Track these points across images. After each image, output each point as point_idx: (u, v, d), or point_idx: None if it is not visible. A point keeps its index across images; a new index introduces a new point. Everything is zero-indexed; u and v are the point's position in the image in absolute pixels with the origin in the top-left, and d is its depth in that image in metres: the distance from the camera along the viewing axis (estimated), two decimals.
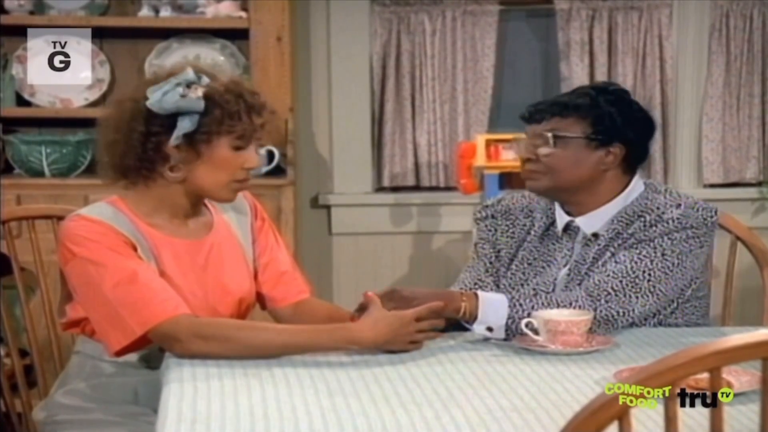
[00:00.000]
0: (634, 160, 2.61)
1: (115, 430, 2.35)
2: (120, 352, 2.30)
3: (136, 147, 2.31)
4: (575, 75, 4.59)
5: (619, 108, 2.58)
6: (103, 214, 2.34)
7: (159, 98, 2.27)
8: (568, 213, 2.62)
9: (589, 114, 2.56)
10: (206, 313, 2.36)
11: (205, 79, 2.31)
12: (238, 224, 2.51)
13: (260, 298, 2.54)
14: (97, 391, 2.40)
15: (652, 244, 2.50)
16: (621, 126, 2.56)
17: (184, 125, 2.28)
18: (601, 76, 4.58)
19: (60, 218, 2.82)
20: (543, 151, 2.56)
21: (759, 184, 4.71)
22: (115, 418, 2.37)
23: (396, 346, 2.27)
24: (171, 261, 2.37)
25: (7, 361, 3.06)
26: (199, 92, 2.28)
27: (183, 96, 2.27)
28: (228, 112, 2.30)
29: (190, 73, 2.30)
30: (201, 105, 2.28)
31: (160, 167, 2.33)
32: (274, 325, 2.40)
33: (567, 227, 2.61)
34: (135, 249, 2.32)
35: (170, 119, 2.28)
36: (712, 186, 4.70)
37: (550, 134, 2.55)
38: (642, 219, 2.53)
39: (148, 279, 2.27)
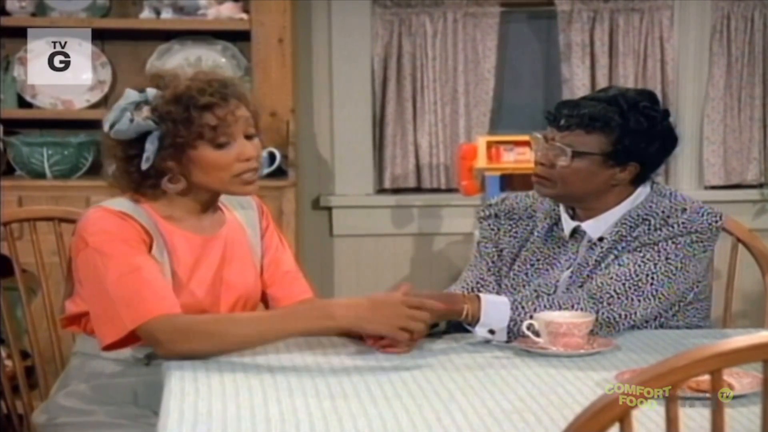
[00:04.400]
0: (646, 175, 2.59)
1: None
2: (110, 347, 2.30)
3: (125, 171, 2.35)
4: (576, 77, 4.59)
5: (645, 128, 2.52)
6: (123, 205, 2.36)
7: (112, 127, 2.31)
8: (573, 215, 2.62)
9: (613, 131, 2.50)
10: (210, 307, 2.39)
11: (152, 93, 2.31)
12: (247, 223, 2.53)
13: (264, 298, 2.55)
14: (96, 392, 2.40)
15: (656, 248, 2.50)
16: (643, 148, 2.53)
17: (149, 147, 2.31)
18: (602, 78, 4.58)
19: (62, 220, 2.82)
20: (558, 162, 2.53)
21: (760, 186, 4.71)
22: (115, 420, 2.37)
23: (380, 328, 2.21)
24: (186, 255, 2.38)
25: (9, 363, 3.06)
26: (145, 112, 2.30)
27: (131, 121, 2.29)
28: (180, 121, 2.30)
29: (132, 95, 2.31)
30: (151, 125, 2.30)
31: (158, 181, 2.35)
32: (251, 313, 2.38)
33: (573, 232, 2.60)
34: (151, 243, 2.33)
35: (141, 140, 2.31)
36: (713, 188, 4.70)
37: (569, 149, 2.51)
38: (647, 223, 2.53)
39: (152, 276, 2.28)
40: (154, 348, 2.27)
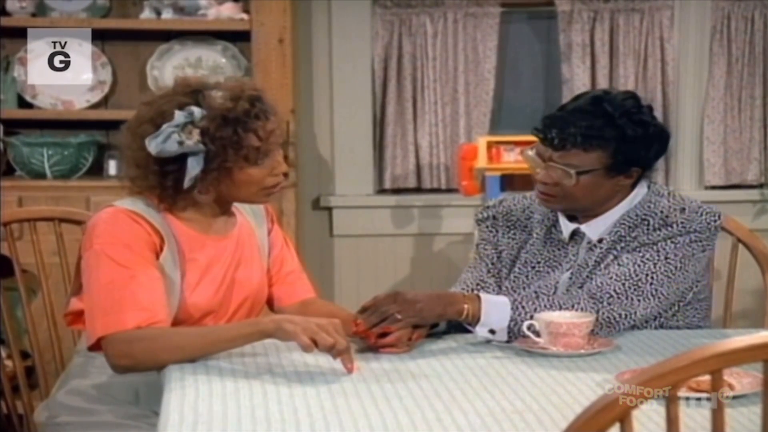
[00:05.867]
0: (645, 175, 2.59)
1: None
2: (93, 348, 2.30)
3: (156, 185, 2.34)
4: (576, 77, 4.59)
5: (640, 135, 2.51)
6: (136, 205, 2.36)
7: (159, 148, 2.29)
8: (571, 217, 2.61)
9: (610, 144, 2.49)
10: (219, 306, 2.40)
11: (198, 113, 2.29)
12: (255, 223, 2.54)
13: (267, 297, 2.55)
14: (98, 391, 2.40)
15: (655, 248, 2.50)
16: (642, 153, 2.53)
17: (193, 167, 2.31)
18: (602, 78, 4.58)
19: (62, 220, 2.83)
20: (564, 182, 2.51)
21: (760, 186, 4.71)
22: (116, 419, 2.37)
23: (296, 329, 2.13)
24: (198, 255, 2.39)
25: (9, 363, 3.06)
26: (195, 135, 2.29)
27: (180, 143, 2.28)
28: (229, 143, 2.31)
29: (180, 117, 2.29)
30: (201, 147, 2.30)
31: (188, 194, 2.36)
32: (192, 327, 2.37)
33: (573, 234, 2.60)
34: (161, 244, 2.33)
35: (180, 156, 2.30)
36: (714, 188, 4.70)
37: (572, 171, 2.49)
38: (646, 223, 2.53)
39: (142, 287, 2.26)
40: (106, 360, 2.26)
